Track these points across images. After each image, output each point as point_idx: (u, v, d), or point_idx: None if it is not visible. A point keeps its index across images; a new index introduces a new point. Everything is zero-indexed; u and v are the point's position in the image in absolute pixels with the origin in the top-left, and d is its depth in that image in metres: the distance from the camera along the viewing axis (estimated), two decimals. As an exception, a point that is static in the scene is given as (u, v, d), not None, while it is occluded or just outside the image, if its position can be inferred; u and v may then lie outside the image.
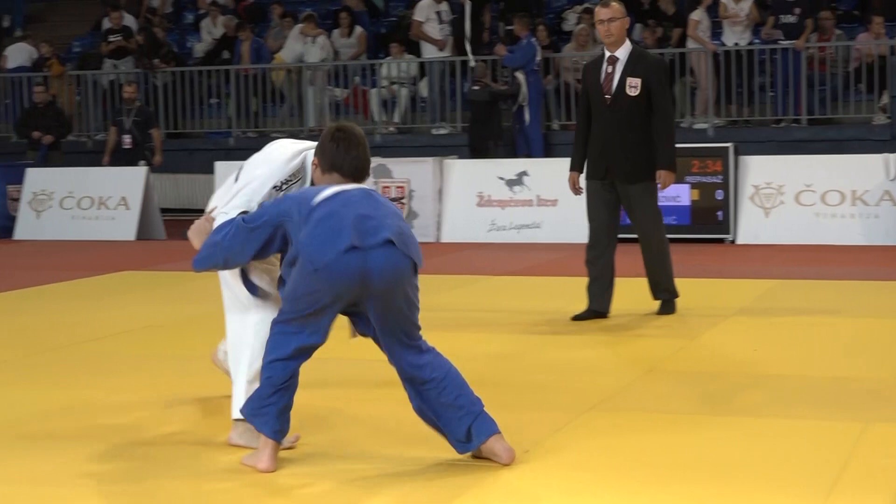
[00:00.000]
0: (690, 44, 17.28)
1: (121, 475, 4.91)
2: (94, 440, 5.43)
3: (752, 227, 13.64)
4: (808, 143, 16.21)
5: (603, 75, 8.36)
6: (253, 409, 4.89)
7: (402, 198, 14.51)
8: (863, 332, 8.04)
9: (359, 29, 19.40)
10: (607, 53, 8.41)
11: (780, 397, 6.12)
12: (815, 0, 17.45)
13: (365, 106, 18.72)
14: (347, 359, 6.49)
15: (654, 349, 7.38)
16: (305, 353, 4.91)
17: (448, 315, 8.62)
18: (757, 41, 17.14)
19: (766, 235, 13.57)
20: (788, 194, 13.61)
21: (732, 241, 13.61)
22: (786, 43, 16.83)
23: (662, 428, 5.47)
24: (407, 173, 14.66)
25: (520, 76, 16.69)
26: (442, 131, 17.99)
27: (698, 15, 17.18)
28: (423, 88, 18.67)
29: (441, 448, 4.97)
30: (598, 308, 8.45)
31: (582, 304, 8.46)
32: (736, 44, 16.92)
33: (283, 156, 5.16)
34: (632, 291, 8.89)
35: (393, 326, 4.86)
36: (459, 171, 14.73)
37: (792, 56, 16.78)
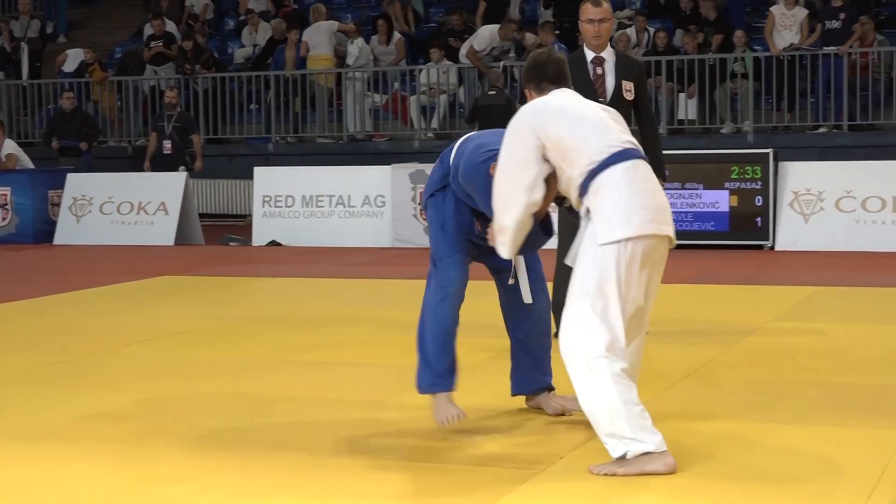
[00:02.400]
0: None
1: (165, 477, 4.93)
2: (139, 444, 5.46)
3: (791, 233, 13.58)
4: (849, 149, 16.15)
5: (592, 76, 7.70)
6: None
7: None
8: (903, 339, 7.98)
9: (397, 36, 19.45)
10: (591, 54, 7.74)
11: (819, 405, 6.08)
12: (860, 6, 17.39)
13: (404, 112, 18.76)
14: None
15: (692, 356, 7.34)
16: None
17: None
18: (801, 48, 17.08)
19: (806, 242, 13.50)
20: (828, 200, 13.54)
21: (771, 248, 13.55)
22: (828, 49, 16.76)
23: (700, 436, 5.45)
24: (445, 179, 14.62)
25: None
26: (481, 137, 17.95)
27: (778, 11, 17.13)
28: (462, 94, 18.69)
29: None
30: None
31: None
32: (792, 44, 16.87)
33: None
34: (671, 299, 8.83)
35: None
36: (498, 177, 14.69)
37: (833, 61, 16.70)
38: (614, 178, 4.84)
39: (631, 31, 18.60)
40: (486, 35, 18.34)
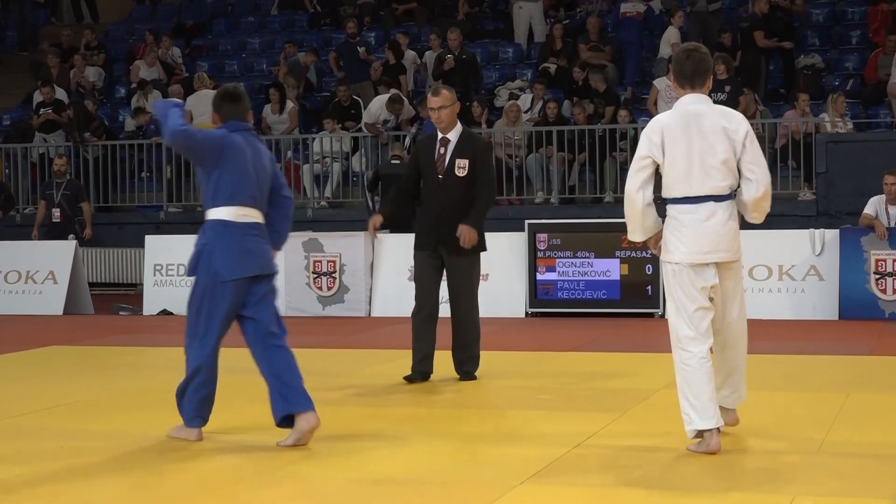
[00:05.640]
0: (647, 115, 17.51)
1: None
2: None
3: (681, 301, 13.72)
4: (736, 218, 16.41)
5: (436, 155, 8.93)
6: None
7: (333, 272, 14.50)
8: (790, 405, 8.11)
9: (290, 104, 19.48)
10: (440, 135, 8.96)
11: (709, 472, 6.15)
12: (743, 79, 17.82)
13: (297, 181, 18.74)
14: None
15: (584, 423, 7.39)
16: None
17: (374, 388, 8.59)
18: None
19: (695, 310, 13.63)
20: (717, 269, 13.72)
21: (661, 316, 13.69)
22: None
23: (590, 501, 5.47)
24: (338, 247, 14.65)
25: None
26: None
27: (662, 84, 17.52)
28: (356, 163, 18.74)
29: None
30: (425, 370, 9.04)
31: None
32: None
33: None
34: (562, 367, 8.89)
35: None
36: (391, 246, 14.72)
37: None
38: (675, 214, 6.39)
39: (522, 101, 18.82)
40: (375, 108, 18.52)
